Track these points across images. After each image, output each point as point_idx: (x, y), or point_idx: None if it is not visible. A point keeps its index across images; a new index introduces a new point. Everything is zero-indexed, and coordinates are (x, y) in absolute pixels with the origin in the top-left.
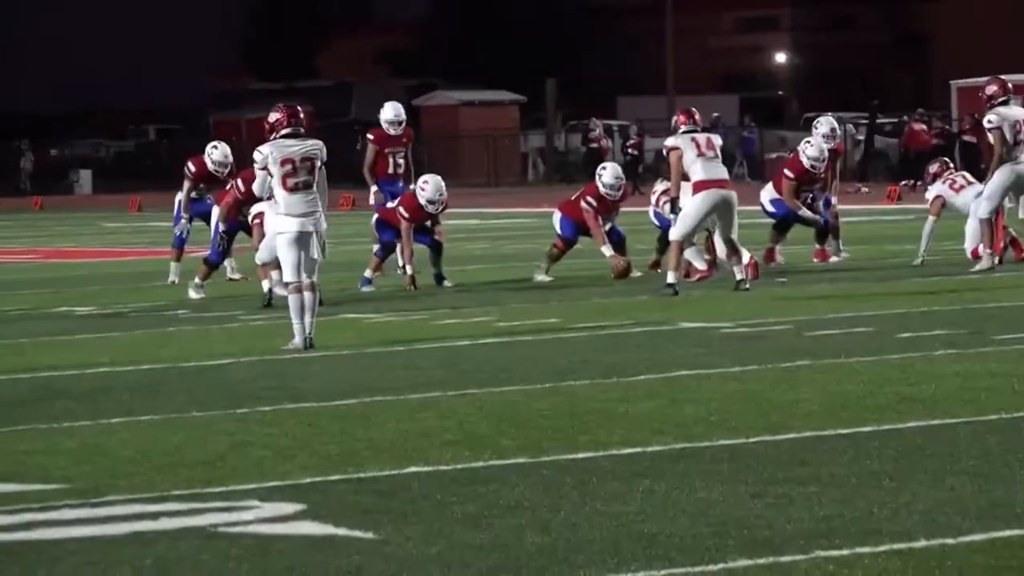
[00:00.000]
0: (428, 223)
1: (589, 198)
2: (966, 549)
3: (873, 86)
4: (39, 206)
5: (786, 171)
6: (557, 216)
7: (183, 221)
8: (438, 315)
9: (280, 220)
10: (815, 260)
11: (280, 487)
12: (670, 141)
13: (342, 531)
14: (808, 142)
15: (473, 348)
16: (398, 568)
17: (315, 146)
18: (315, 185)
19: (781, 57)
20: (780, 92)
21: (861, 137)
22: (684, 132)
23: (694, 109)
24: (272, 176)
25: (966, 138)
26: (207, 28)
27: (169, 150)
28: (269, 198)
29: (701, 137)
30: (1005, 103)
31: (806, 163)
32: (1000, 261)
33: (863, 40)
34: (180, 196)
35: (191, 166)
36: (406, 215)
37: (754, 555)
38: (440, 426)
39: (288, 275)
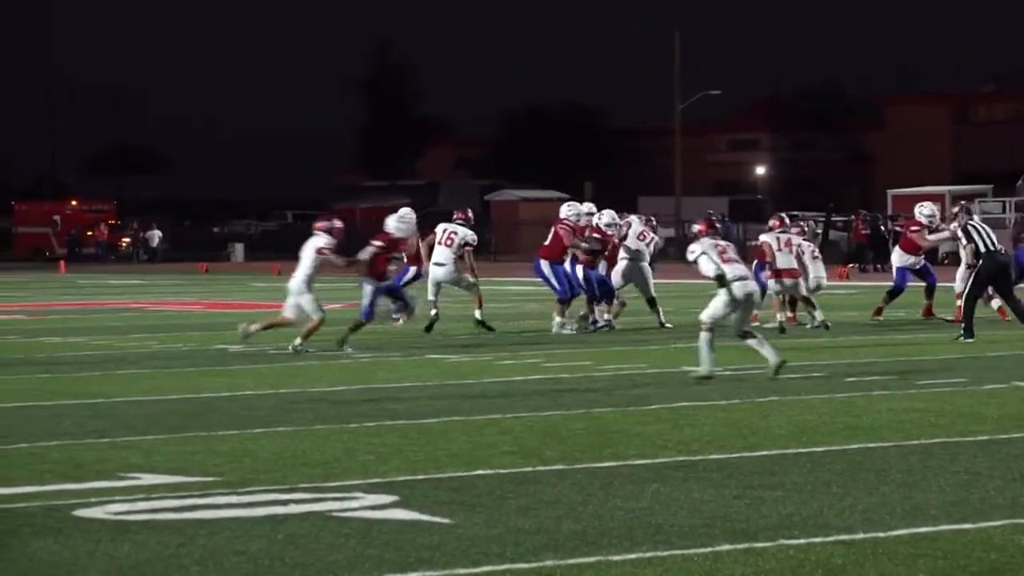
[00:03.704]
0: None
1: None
2: (894, 540)
3: (829, 193)
4: (205, 269)
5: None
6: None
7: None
8: (500, 357)
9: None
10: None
11: (380, 483)
12: (695, 247)
13: (426, 517)
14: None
15: (525, 382)
16: (467, 546)
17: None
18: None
19: (760, 170)
20: (759, 196)
21: (820, 231)
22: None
23: (714, 218)
24: None
25: (898, 230)
26: (331, 135)
27: (302, 230)
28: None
29: (722, 243)
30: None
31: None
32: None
33: (822, 158)
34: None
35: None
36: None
37: (734, 541)
38: (500, 440)
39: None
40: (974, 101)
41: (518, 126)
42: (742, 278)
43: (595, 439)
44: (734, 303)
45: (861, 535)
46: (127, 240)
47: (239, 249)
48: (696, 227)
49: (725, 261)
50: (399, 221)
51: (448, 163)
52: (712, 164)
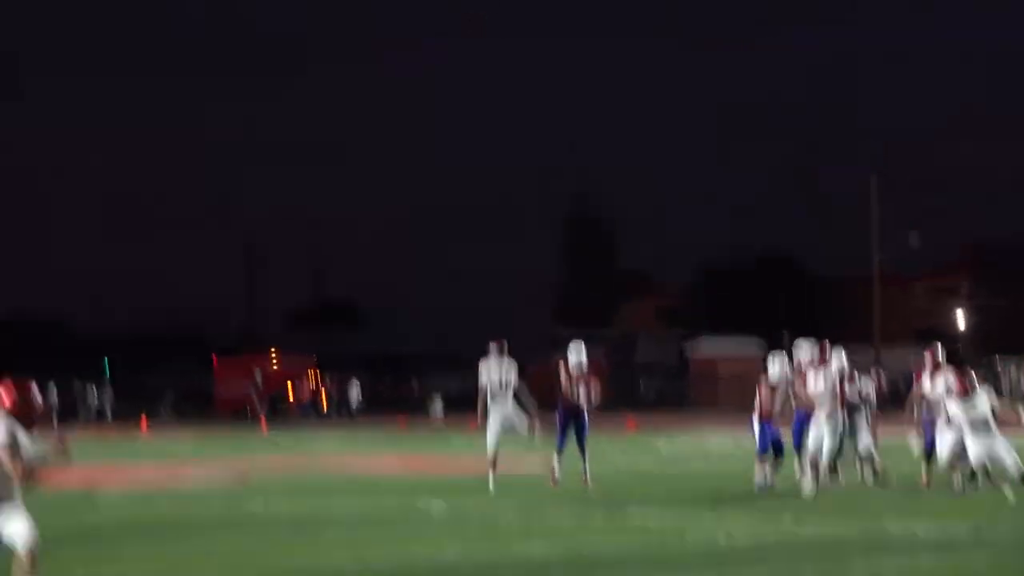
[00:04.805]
0: None
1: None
2: None
3: None
4: (404, 425)
5: None
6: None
7: None
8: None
9: None
10: None
11: None
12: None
13: None
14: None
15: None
16: None
17: None
18: None
19: (962, 317)
20: (958, 344)
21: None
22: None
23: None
24: None
25: None
26: (527, 291)
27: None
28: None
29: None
30: None
31: None
32: None
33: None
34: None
35: None
36: None
37: None
38: None
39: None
40: None
41: (713, 276)
42: None
43: None
44: None
45: None
46: (327, 396)
47: (438, 403)
48: None
49: None
50: None
51: (644, 313)
52: (914, 311)
